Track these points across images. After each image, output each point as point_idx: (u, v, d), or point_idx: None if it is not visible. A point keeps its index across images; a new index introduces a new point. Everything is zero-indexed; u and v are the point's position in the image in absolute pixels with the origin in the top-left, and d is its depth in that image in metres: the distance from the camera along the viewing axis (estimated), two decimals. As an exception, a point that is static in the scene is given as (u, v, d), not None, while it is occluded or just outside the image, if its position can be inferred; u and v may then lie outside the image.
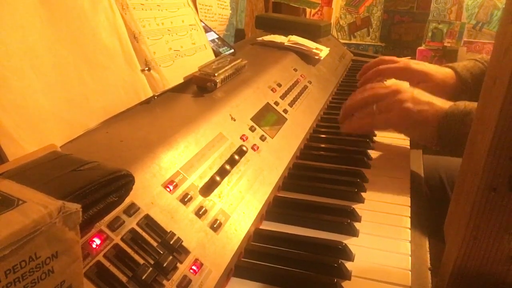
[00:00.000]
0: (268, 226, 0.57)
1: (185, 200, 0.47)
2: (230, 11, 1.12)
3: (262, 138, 0.66)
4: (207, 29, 0.86)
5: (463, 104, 0.67)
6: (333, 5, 2.54)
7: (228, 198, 0.52)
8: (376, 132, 0.86)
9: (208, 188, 0.51)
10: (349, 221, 0.56)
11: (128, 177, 0.39)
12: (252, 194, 0.56)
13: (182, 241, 0.43)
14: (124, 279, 0.37)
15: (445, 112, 0.68)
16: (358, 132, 0.79)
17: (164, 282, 0.39)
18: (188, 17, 0.76)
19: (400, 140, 0.84)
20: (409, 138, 0.83)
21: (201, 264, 0.43)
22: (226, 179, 0.54)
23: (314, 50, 1.06)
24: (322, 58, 1.09)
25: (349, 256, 0.51)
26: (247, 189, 0.56)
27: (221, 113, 0.63)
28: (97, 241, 0.37)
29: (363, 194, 0.64)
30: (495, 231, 0.39)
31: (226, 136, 0.60)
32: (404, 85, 0.75)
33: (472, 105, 0.66)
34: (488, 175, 0.37)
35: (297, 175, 0.69)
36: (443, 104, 0.70)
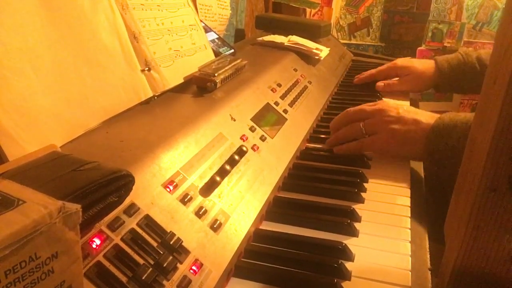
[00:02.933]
0: (268, 226, 0.57)
1: (185, 200, 0.47)
2: (230, 11, 1.12)
3: (262, 138, 0.66)
4: (207, 29, 0.86)
5: (447, 117, 0.67)
6: (333, 5, 2.54)
7: (228, 198, 0.52)
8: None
9: (208, 188, 0.51)
10: (349, 221, 0.56)
11: (128, 177, 0.39)
12: (252, 194, 0.56)
13: (182, 241, 0.43)
14: (124, 279, 0.37)
15: (431, 128, 0.68)
16: (347, 153, 0.77)
17: (164, 282, 0.39)
18: (188, 17, 0.76)
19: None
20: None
21: (201, 264, 0.43)
22: (226, 179, 0.54)
23: (314, 50, 1.06)
24: (322, 58, 1.09)
25: (349, 256, 0.51)
26: (247, 189, 0.56)
27: (221, 113, 0.63)
28: (97, 241, 0.37)
29: (363, 194, 0.64)
30: (495, 231, 0.39)
31: (226, 136, 0.60)
32: (390, 102, 0.76)
33: (458, 117, 0.66)
34: (488, 175, 0.37)
35: (297, 175, 0.69)
36: (429, 119, 0.70)
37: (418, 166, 0.75)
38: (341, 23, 2.97)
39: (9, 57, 0.44)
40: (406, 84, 1.11)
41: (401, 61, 1.13)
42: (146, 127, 0.55)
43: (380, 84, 1.12)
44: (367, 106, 0.78)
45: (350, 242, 0.53)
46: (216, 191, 0.51)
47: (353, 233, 0.55)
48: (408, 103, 1.04)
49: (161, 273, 0.39)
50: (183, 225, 0.45)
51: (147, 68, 0.63)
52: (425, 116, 0.71)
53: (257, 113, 0.70)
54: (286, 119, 0.76)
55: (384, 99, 1.04)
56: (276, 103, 0.77)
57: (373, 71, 1.15)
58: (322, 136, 0.83)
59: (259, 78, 0.80)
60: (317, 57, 1.07)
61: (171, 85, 0.67)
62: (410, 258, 0.51)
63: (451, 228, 0.47)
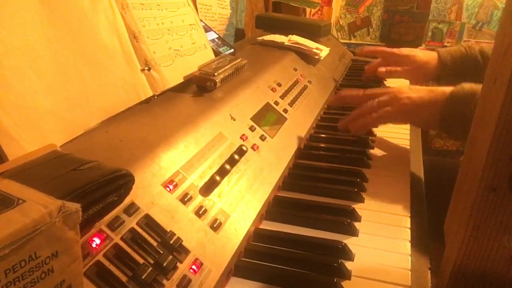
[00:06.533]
0: (268, 225, 0.57)
1: (185, 199, 0.47)
2: (230, 11, 1.12)
3: (262, 138, 0.66)
4: (207, 29, 0.86)
5: (469, 86, 0.67)
6: (333, 5, 2.53)
7: (228, 197, 0.52)
8: (376, 130, 0.86)
9: (208, 187, 0.51)
10: (349, 220, 0.56)
11: (128, 176, 0.39)
12: (252, 193, 0.56)
13: (182, 241, 0.43)
14: (124, 278, 0.37)
15: (450, 92, 0.68)
16: (361, 132, 0.79)
17: (164, 281, 0.39)
18: (188, 17, 0.76)
19: (400, 140, 0.84)
20: (410, 127, 0.87)
21: (201, 264, 0.43)
22: (226, 178, 0.54)
23: (314, 50, 1.06)
24: (322, 58, 1.09)
25: (349, 256, 0.51)
26: (247, 188, 0.56)
27: (221, 112, 0.63)
28: (97, 240, 0.37)
29: (363, 194, 0.64)
30: (495, 231, 0.39)
31: (226, 135, 0.60)
32: (403, 87, 0.77)
33: (478, 86, 0.66)
34: (488, 175, 0.37)
35: (297, 175, 0.69)
36: (444, 88, 0.71)
37: (418, 166, 0.75)
38: (341, 23, 2.97)
39: (9, 57, 0.44)
40: (407, 73, 1.11)
41: (405, 50, 1.14)
42: (146, 127, 0.55)
43: (381, 69, 1.13)
44: (379, 89, 0.80)
45: (350, 242, 0.53)
46: (216, 191, 0.51)
47: (353, 232, 0.55)
48: None
49: (161, 272, 0.39)
50: (183, 224, 0.45)
51: (147, 68, 0.63)
52: (440, 87, 0.72)
53: (257, 113, 0.70)
54: (286, 119, 0.76)
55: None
56: (276, 103, 0.77)
57: (380, 48, 1.19)
58: (322, 135, 0.83)
59: (259, 78, 0.80)
60: (317, 57, 1.07)
61: (171, 84, 0.67)
62: (410, 257, 0.51)
63: (451, 228, 0.47)
